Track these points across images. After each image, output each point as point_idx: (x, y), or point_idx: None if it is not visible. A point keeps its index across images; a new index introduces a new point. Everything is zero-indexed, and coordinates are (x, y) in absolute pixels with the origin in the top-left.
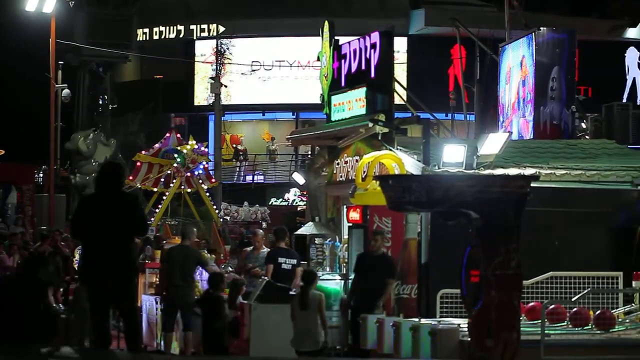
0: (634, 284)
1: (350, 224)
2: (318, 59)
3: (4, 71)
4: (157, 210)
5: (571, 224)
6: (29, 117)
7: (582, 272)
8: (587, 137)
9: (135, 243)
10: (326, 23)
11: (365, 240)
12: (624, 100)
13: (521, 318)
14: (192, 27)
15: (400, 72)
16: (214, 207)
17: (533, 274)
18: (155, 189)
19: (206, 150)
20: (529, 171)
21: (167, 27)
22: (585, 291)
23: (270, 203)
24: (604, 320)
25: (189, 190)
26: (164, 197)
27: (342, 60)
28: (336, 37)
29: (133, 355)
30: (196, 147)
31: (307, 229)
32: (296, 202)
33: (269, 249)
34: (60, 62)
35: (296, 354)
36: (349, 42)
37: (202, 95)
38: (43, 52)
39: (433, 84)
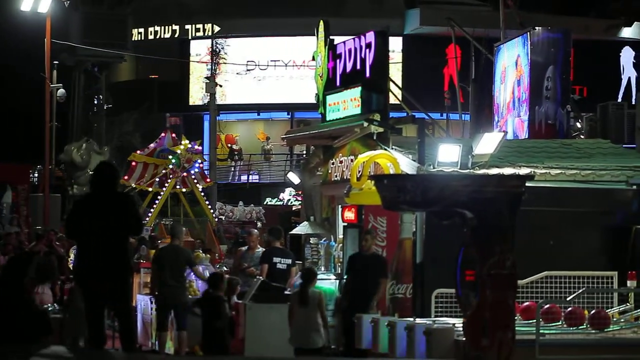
0: (628, 283)
1: (345, 224)
2: (313, 59)
3: None
4: (152, 210)
5: (566, 224)
6: (24, 117)
7: (577, 271)
8: (582, 136)
9: (130, 243)
10: (321, 23)
11: (360, 240)
12: (619, 100)
13: (516, 318)
14: (187, 26)
15: (396, 72)
16: (209, 206)
17: (528, 274)
18: (150, 189)
19: (200, 148)
20: (523, 171)
21: (162, 27)
22: (580, 291)
23: (265, 203)
24: (598, 320)
25: (184, 190)
26: (159, 197)
27: (337, 60)
28: (331, 37)
29: (128, 355)
30: (190, 146)
31: (302, 228)
32: (291, 202)
33: (263, 249)
34: (55, 62)
35: (294, 352)
36: (344, 42)
37: (197, 95)
38: (38, 52)
39: (428, 83)
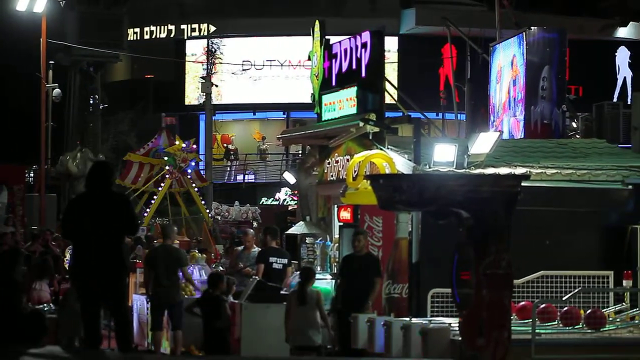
0: (624, 283)
1: (341, 224)
2: (309, 59)
3: None
4: (148, 210)
5: (562, 223)
6: (20, 116)
7: (573, 271)
8: (577, 136)
9: (126, 242)
10: (317, 22)
11: (353, 240)
12: (615, 100)
13: (512, 317)
14: (183, 26)
15: (391, 72)
16: (205, 206)
17: (524, 273)
18: (145, 189)
19: (194, 147)
20: (519, 170)
21: (158, 27)
22: (576, 290)
23: (261, 202)
24: (594, 320)
25: (180, 190)
26: (155, 197)
27: (333, 60)
28: (327, 37)
29: (124, 354)
30: (184, 145)
31: (298, 228)
32: (287, 202)
33: (259, 249)
34: (51, 62)
35: (291, 351)
36: (339, 42)
37: (193, 95)
38: (34, 51)
39: (424, 83)
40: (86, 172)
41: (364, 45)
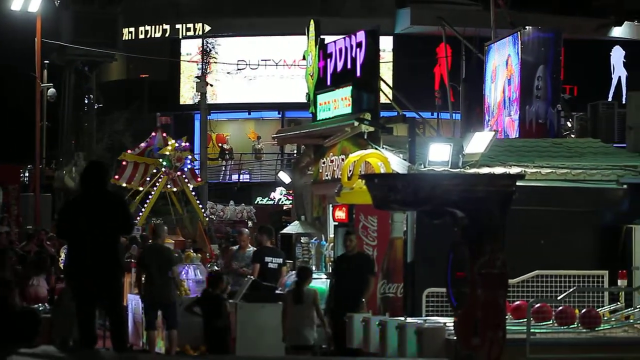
0: (619, 282)
1: (336, 223)
2: (304, 58)
3: None
4: (143, 210)
5: (557, 223)
6: (15, 116)
7: (568, 270)
8: (572, 135)
9: (121, 242)
10: (312, 22)
11: (345, 240)
12: (610, 99)
13: (507, 317)
14: (178, 26)
15: (386, 71)
16: (200, 206)
17: (519, 273)
18: (140, 188)
19: (187, 144)
20: (514, 170)
21: (153, 26)
22: (571, 290)
23: (256, 202)
24: (589, 319)
25: (174, 189)
26: (150, 197)
27: (328, 59)
28: (322, 36)
29: (119, 354)
30: (177, 145)
31: (293, 227)
32: (282, 201)
33: (254, 248)
34: (45, 62)
35: (287, 350)
36: (334, 41)
37: (187, 95)
38: (28, 51)
39: (419, 82)
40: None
41: (359, 44)
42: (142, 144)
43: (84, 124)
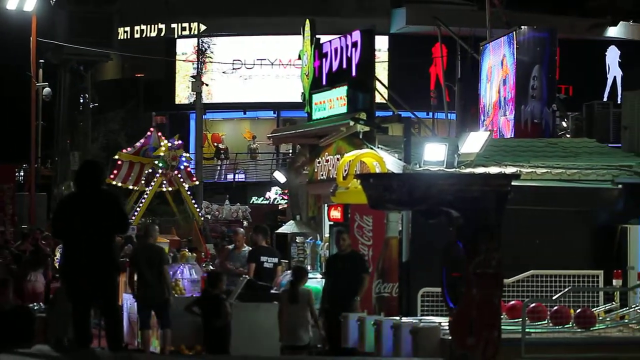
0: (614, 282)
1: (332, 223)
2: (299, 58)
3: None
4: (138, 209)
5: (552, 223)
6: (10, 115)
7: (563, 270)
8: (567, 135)
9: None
10: (307, 22)
11: (337, 240)
12: (605, 99)
13: (502, 316)
14: (173, 25)
15: (382, 71)
16: (195, 205)
17: (514, 273)
18: (136, 188)
19: (180, 142)
20: (510, 170)
21: (148, 26)
22: (566, 290)
23: (251, 202)
24: (584, 319)
25: (170, 189)
26: (145, 196)
27: (323, 59)
28: (317, 36)
29: (114, 353)
30: (170, 144)
31: (288, 227)
32: (277, 201)
33: (250, 248)
34: (41, 61)
35: (282, 350)
36: (330, 41)
37: (183, 94)
38: (24, 50)
39: (414, 82)
40: None
41: (354, 44)
42: (138, 144)
43: (79, 123)
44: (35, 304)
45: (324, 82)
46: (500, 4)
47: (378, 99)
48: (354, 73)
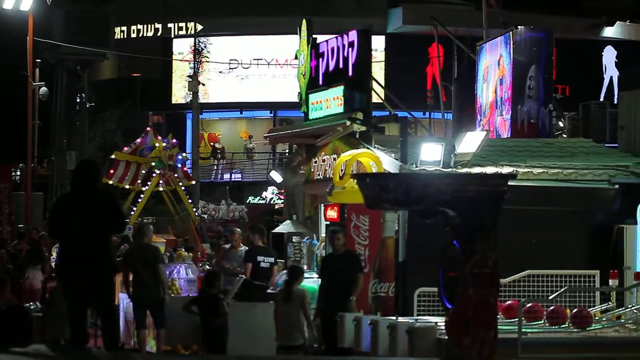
0: (610, 282)
1: (328, 222)
2: (296, 58)
3: None
4: (135, 209)
5: (548, 223)
6: (6, 115)
7: (559, 270)
8: (564, 135)
9: (113, 241)
10: (304, 21)
11: (332, 239)
12: (601, 99)
13: (498, 316)
14: (170, 25)
15: (378, 71)
16: (191, 205)
17: (510, 273)
18: (132, 187)
19: (175, 141)
20: (506, 170)
21: (145, 25)
22: (562, 289)
23: (248, 201)
24: (580, 319)
25: (167, 188)
26: (142, 195)
27: (320, 59)
28: (314, 36)
29: (110, 353)
30: (164, 144)
31: (284, 227)
32: (274, 200)
33: (246, 247)
34: (37, 60)
35: (278, 350)
36: (326, 41)
37: (179, 94)
38: (20, 50)
39: (411, 82)
40: None
41: (351, 44)
42: (134, 143)
43: (75, 122)
44: (32, 303)
45: (320, 82)
46: (497, 4)
47: (375, 98)
48: (350, 73)
